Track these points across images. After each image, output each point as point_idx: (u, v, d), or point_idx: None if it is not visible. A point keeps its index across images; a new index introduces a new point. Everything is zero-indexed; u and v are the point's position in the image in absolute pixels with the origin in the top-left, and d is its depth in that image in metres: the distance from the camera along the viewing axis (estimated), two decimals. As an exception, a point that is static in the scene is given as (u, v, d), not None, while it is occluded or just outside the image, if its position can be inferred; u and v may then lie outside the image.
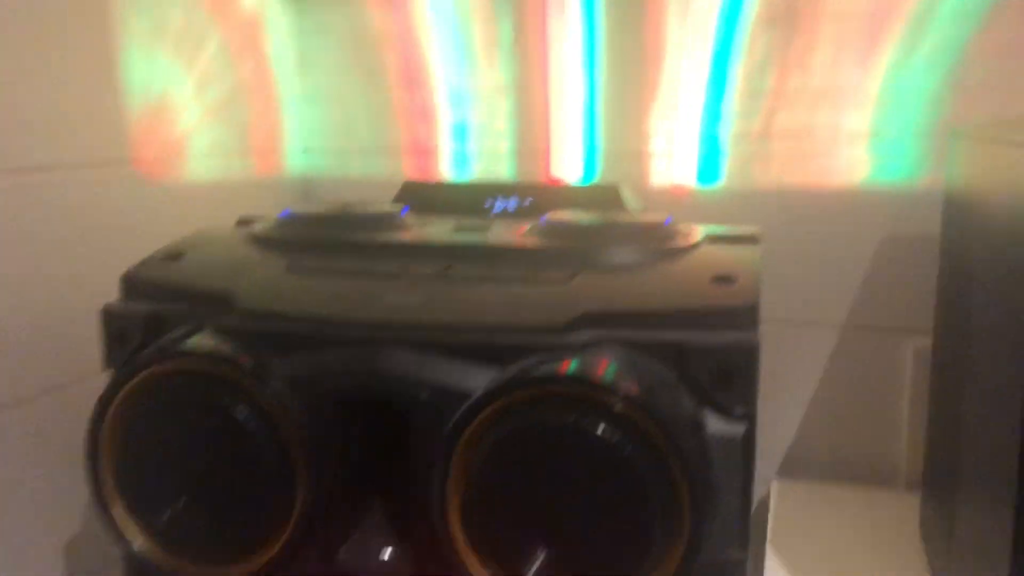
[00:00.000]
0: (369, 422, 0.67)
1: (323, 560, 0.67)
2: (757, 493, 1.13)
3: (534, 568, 0.62)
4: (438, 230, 0.83)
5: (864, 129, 1.11)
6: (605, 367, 0.62)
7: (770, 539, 0.97)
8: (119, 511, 0.69)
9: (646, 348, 0.65)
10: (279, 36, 1.35)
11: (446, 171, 1.30)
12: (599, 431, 0.60)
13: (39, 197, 0.88)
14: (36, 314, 0.87)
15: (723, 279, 0.70)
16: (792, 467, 1.17)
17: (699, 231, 0.83)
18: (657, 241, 0.78)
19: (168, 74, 1.14)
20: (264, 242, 0.81)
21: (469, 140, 1.31)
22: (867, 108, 1.11)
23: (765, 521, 1.02)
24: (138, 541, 0.69)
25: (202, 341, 0.68)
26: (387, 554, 0.67)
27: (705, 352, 0.65)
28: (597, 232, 0.78)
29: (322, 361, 0.67)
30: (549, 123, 1.28)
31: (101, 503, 0.69)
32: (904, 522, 0.98)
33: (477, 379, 0.64)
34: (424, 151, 1.34)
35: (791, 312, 1.13)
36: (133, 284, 0.76)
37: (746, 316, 0.66)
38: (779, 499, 1.09)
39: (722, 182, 1.19)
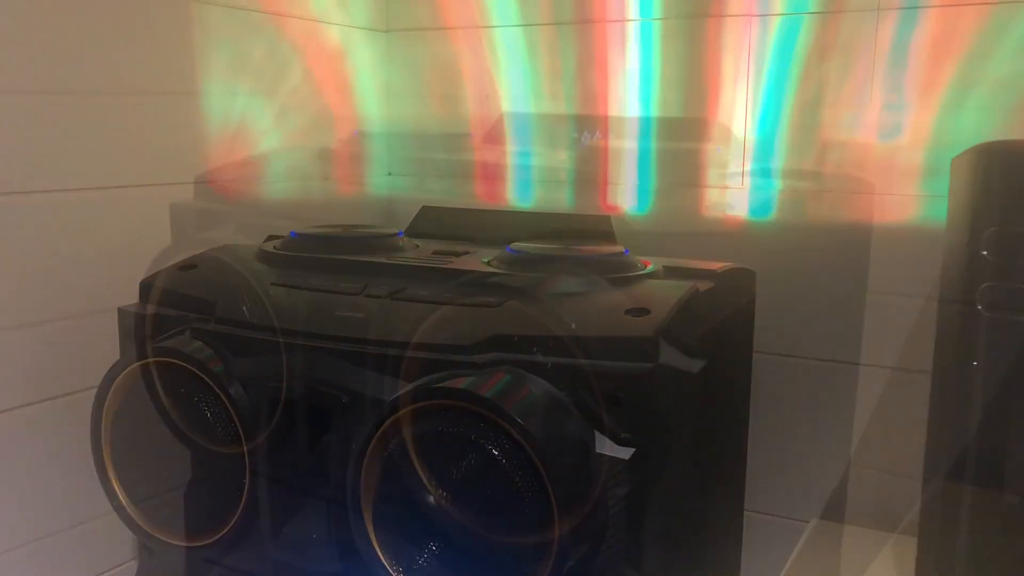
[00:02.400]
0: (305, 422, 0.76)
1: (261, 549, 0.77)
2: (796, 531, 1.13)
3: (422, 559, 0.69)
4: (415, 253, 0.92)
5: (918, 166, 1.08)
6: (493, 386, 0.68)
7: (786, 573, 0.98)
8: (113, 480, 0.82)
9: (544, 371, 0.71)
10: (365, 67, 1.47)
11: (511, 196, 1.37)
12: (478, 440, 0.67)
13: (118, 210, 1.02)
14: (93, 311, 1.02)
15: (637, 311, 0.74)
16: (838, 509, 1.16)
17: (654, 264, 0.87)
18: (603, 271, 0.82)
19: (248, 103, 1.28)
20: (269, 258, 0.92)
21: (532, 168, 1.37)
22: (921, 145, 1.09)
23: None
24: (125, 505, 0.82)
25: (180, 342, 0.80)
26: (315, 545, 0.76)
27: (595, 378, 0.70)
28: (549, 262, 0.84)
29: (271, 364, 0.77)
30: (607, 154, 1.32)
31: (100, 472, 0.82)
32: None
33: (392, 389, 0.72)
34: (492, 177, 1.42)
35: (839, 352, 1.12)
36: (148, 290, 0.89)
37: (645, 347, 0.70)
38: (811, 539, 1.08)
39: (774, 216, 1.19)
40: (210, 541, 0.80)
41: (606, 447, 0.70)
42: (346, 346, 0.76)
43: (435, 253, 0.92)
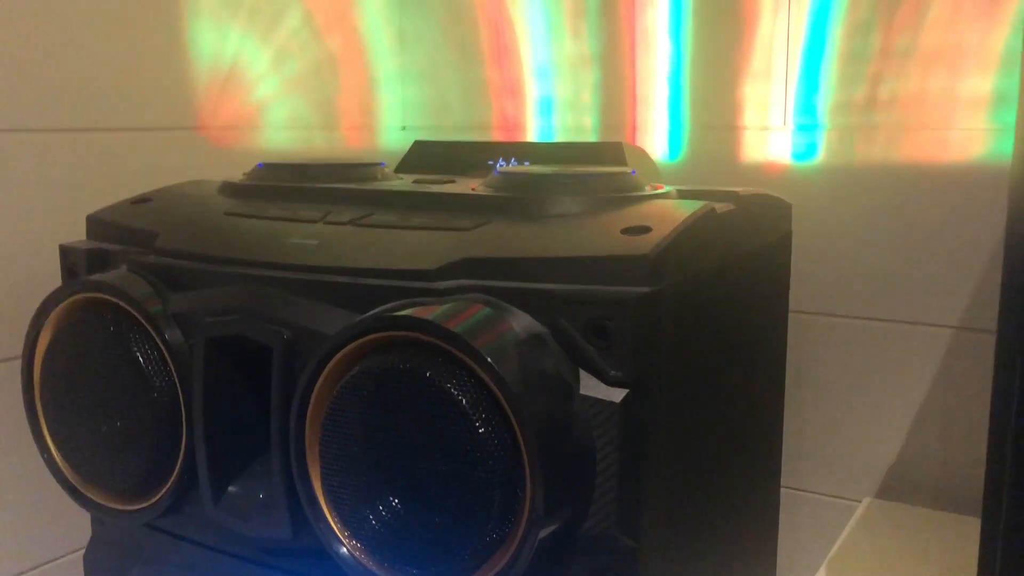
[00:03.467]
0: (245, 361, 0.65)
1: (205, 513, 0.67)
2: (848, 511, 1.00)
3: (375, 522, 0.58)
4: (397, 182, 0.80)
5: (985, 95, 0.94)
6: (459, 316, 0.56)
7: (831, 558, 0.85)
8: (44, 429, 0.73)
9: (520, 298, 0.59)
10: (375, 12, 1.36)
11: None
12: (432, 378, 0.55)
13: (103, 156, 0.94)
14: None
15: (635, 229, 0.61)
16: (897, 487, 1.02)
17: (668, 189, 0.74)
18: (603, 191, 0.70)
19: (240, 46, 1.19)
20: (231, 190, 0.82)
21: (554, 115, 1.26)
22: (989, 71, 0.94)
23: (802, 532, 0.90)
24: (55, 457, 0.72)
25: (114, 276, 0.70)
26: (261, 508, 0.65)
27: (577, 303, 0.57)
28: (540, 182, 0.71)
29: (207, 298, 0.66)
30: (635, 96, 1.20)
31: (31, 417, 0.73)
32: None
33: (340, 321, 0.60)
34: (513, 127, 1.31)
35: (898, 311, 0.98)
36: (95, 224, 0.79)
37: (640, 268, 0.58)
38: (863, 519, 0.94)
39: (820, 158, 1.06)
40: (147, 504, 0.69)
41: (592, 388, 0.58)
42: (293, 275, 0.64)
43: (416, 182, 0.80)
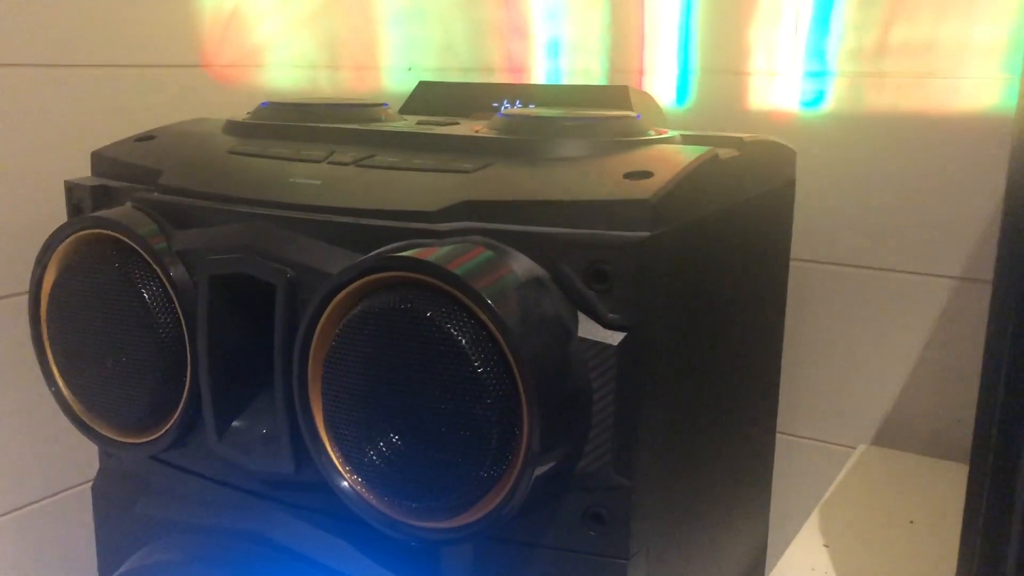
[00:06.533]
0: (248, 300, 0.66)
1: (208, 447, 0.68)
2: (843, 457, 1.01)
3: (374, 456, 0.59)
4: (400, 123, 0.80)
5: (1000, 42, 0.92)
6: (461, 258, 0.57)
7: (824, 502, 0.86)
8: (51, 362, 0.74)
9: (520, 240, 0.59)
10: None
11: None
12: (433, 318, 0.56)
13: (108, 92, 0.93)
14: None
15: (637, 174, 0.62)
16: (893, 434, 1.03)
17: (672, 133, 0.74)
18: (606, 135, 0.70)
19: (244, -18, 1.18)
20: (236, 128, 0.82)
21: (562, 57, 1.25)
22: (1004, 16, 0.92)
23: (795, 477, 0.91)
24: (63, 390, 0.73)
25: (116, 213, 0.70)
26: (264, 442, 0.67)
27: (577, 247, 0.58)
28: (544, 125, 0.71)
29: (211, 236, 0.67)
30: (643, 40, 1.18)
31: (38, 351, 0.74)
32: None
33: (345, 262, 0.61)
34: (519, 69, 1.29)
35: (899, 261, 0.98)
36: (99, 161, 0.79)
37: (640, 212, 0.58)
38: (858, 465, 0.95)
39: (829, 105, 1.05)
40: (152, 437, 0.71)
41: (590, 331, 0.58)
42: (295, 214, 0.65)
43: (420, 123, 0.80)
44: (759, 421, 0.90)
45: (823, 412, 1.06)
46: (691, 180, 0.62)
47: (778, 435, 1.03)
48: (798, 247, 1.00)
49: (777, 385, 0.95)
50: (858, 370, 1.04)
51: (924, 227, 0.97)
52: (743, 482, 0.87)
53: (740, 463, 0.85)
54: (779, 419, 1.02)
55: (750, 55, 1.08)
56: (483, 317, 0.55)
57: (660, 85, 1.16)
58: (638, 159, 0.65)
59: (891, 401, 1.04)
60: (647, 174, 0.61)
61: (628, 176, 0.62)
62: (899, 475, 0.93)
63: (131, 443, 0.72)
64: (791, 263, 0.97)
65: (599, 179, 0.62)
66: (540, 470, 0.56)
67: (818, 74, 1.04)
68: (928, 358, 1.00)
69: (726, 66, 1.10)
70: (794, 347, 1.04)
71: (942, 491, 0.88)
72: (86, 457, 0.95)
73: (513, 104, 0.90)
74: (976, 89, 0.95)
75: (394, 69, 1.37)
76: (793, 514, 1.07)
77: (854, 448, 1.03)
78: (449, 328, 0.56)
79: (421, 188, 0.64)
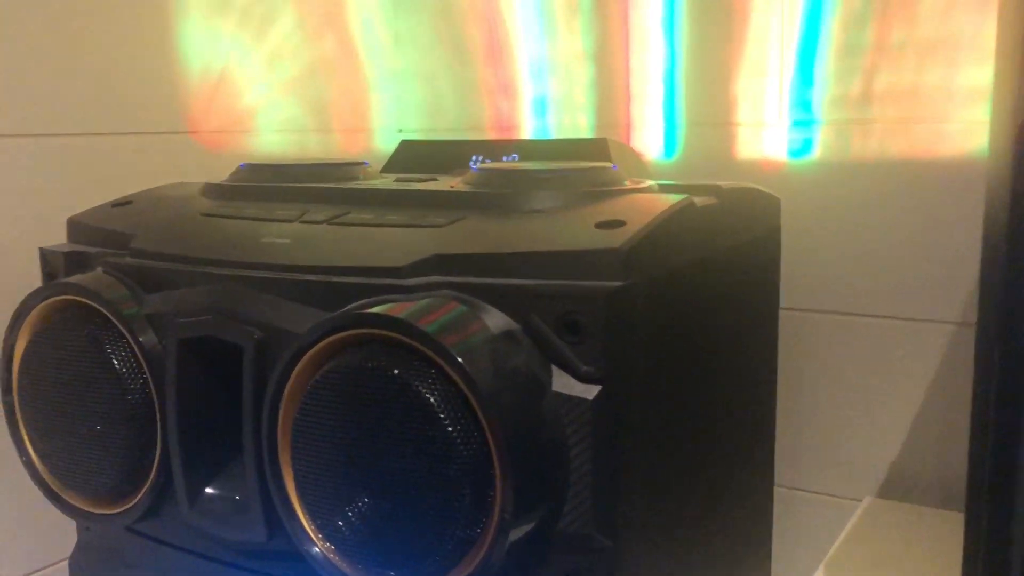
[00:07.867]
0: (219, 362, 0.65)
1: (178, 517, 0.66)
2: (849, 510, 0.98)
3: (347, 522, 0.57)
4: (378, 181, 0.80)
5: (984, 86, 0.91)
6: (430, 315, 0.55)
7: (830, 557, 0.83)
8: (23, 432, 0.72)
9: (491, 293, 0.58)
10: (368, 14, 1.36)
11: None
12: (400, 376, 0.54)
13: (94, 160, 0.93)
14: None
15: (610, 223, 0.60)
16: (899, 485, 1.00)
17: (649, 182, 0.73)
18: (581, 186, 0.69)
19: (232, 49, 1.18)
20: (213, 191, 0.81)
21: (549, 114, 1.25)
22: (986, 61, 0.92)
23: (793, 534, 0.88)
24: (34, 460, 0.71)
25: (85, 278, 0.69)
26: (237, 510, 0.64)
27: (548, 298, 0.56)
28: (517, 177, 0.70)
29: (181, 299, 0.66)
30: (629, 94, 1.19)
31: (10, 420, 0.72)
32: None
33: (313, 320, 0.60)
34: (508, 127, 1.30)
35: (898, 307, 0.96)
36: (75, 227, 0.79)
37: (611, 261, 0.56)
38: (864, 518, 0.92)
39: (815, 154, 1.04)
40: (125, 507, 0.69)
41: (565, 385, 0.57)
42: (265, 274, 0.64)
43: (397, 180, 0.79)
44: (755, 474, 0.87)
45: (826, 464, 1.03)
46: (665, 228, 0.61)
47: (779, 489, 1.01)
48: (791, 296, 0.98)
49: (773, 437, 0.92)
50: (861, 420, 1.01)
51: (921, 271, 0.95)
52: (740, 538, 0.84)
53: (735, 518, 0.82)
54: (780, 472, 0.99)
55: (736, 106, 1.08)
56: (452, 374, 0.54)
57: (648, 138, 1.16)
58: (611, 208, 0.64)
59: (896, 451, 1.01)
60: (619, 223, 0.60)
61: (600, 226, 0.60)
62: (907, 528, 0.90)
63: (104, 514, 0.70)
64: (785, 312, 0.95)
65: (571, 229, 0.61)
66: (516, 534, 0.54)
67: (804, 123, 1.03)
68: (932, 405, 0.98)
69: (713, 118, 1.10)
70: (792, 397, 1.02)
71: (951, 544, 0.85)
72: (64, 534, 0.93)
73: (498, 160, 0.90)
74: (962, 134, 0.94)
75: (384, 130, 1.38)
76: (799, 570, 1.04)
77: (860, 501, 1.00)
78: (417, 386, 0.54)
79: (392, 244, 0.63)
